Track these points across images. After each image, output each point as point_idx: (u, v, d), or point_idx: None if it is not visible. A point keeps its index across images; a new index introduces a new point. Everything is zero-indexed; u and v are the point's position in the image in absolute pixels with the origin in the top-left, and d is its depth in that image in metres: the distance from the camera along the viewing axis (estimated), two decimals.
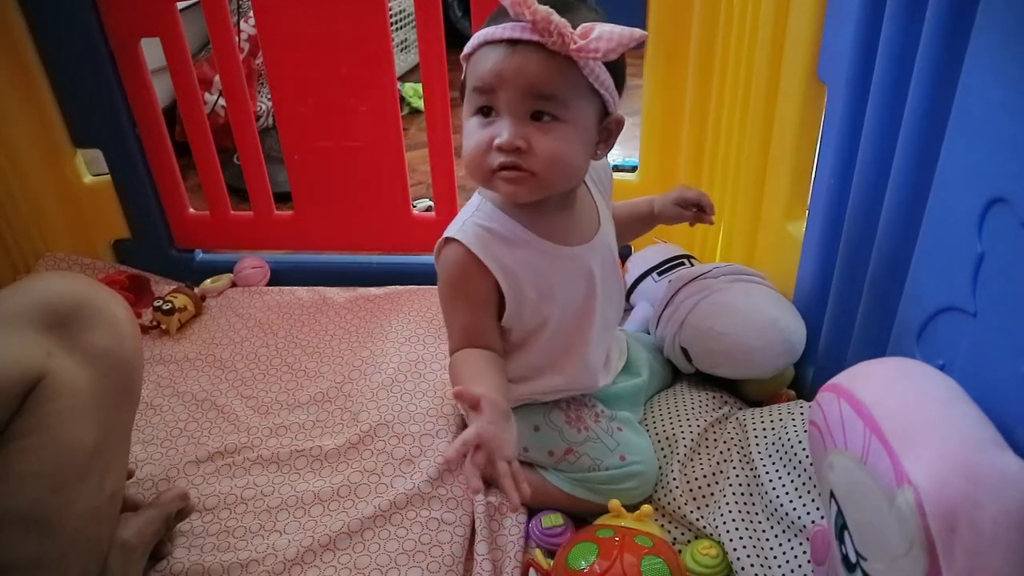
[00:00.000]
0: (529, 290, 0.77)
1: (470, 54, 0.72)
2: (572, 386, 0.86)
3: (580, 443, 0.83)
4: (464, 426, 0.94)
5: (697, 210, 0.91)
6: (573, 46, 0.66)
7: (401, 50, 2.29)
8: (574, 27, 0.67)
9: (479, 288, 0.76)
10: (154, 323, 1.17)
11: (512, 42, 0.68)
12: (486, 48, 0.70)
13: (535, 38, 0.67)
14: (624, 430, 0.85)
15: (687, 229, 1.15)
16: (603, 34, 0.66)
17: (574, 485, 0.83)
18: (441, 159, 1.20)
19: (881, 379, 0.57)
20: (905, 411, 0.53)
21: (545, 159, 0.70)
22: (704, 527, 0.79)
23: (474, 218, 0.77)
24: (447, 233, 0.77)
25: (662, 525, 0.82)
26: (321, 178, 1.23)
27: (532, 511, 0.85)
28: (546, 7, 0.66)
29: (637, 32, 0.67)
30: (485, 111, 0.71)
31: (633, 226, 0.95)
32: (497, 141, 0.69)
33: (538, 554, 0.77)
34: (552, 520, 0.82)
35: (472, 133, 0.72)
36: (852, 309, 0.81)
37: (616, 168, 1.45)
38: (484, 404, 0.64)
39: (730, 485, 0.81)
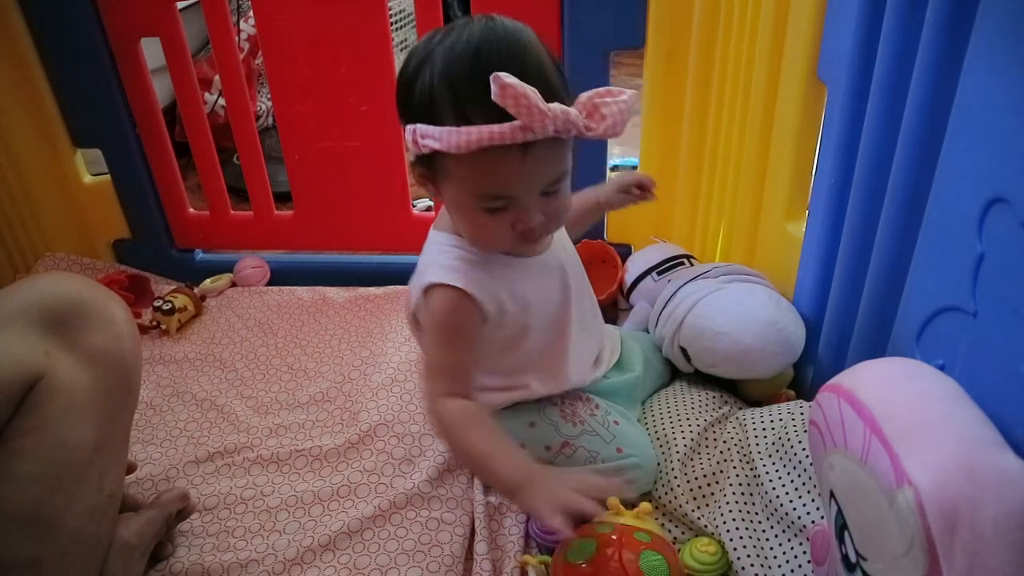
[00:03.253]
0: (509, 304, 0.77)
1: (463, 155, 0.64)
2: (560, 386, 0.86)
3: (576, 436, 0.83)
4: None
5: (640, 190, 0.93)
6: (589, 133, 0.65)
7: (401, 50, 2.29)
8: (567, 102, 0.65)
9: (472, 324, 0.76)
10: (154, 323, 1.17)
11: (526, 145, 0.64)
12: (492, 154, 0.64)
13: (550, 135, 0.64)
14: (620, 423, 0.85)
15: (687, 229, 1.16)
16: (611, 115, 0.65)
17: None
18: None
19: (881, 379, 0.57)
20: (905, 411, 0.53)
21: (558, 219, 0.73)
22: (704, 526, 0.79)
23: (445, 256, 0.76)
24: (430, 279, 0.75)
25: (662, 524, 0.82)
26: (321, 178, 1.23)
27: None
28: (558, 105, 0.63)
29: (630, 94, 0.66)
30: (497, 208, 0.70)
31: (585, 218, 0.95)
32: (521, 227, 0.71)
33: (528, 559, 0.77)
34: None
35: (484, 225, 0.71)
36: (852, 309, 0.81)
37: (615, 168, 1.46)
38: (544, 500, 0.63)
39: (730, 485, 0.81)
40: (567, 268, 0.83)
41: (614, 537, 0.71)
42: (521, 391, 0.85)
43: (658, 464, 0.85)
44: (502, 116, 0.62)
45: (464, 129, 0.63)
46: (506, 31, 0.67)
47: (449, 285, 0.74)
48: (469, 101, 0.65)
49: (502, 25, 0.67)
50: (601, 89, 0.66)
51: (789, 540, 0.74)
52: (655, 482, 0.84)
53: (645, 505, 0.77)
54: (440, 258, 0.77)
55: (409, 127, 0.69)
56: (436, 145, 0.65)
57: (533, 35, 0.69)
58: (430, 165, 0.70)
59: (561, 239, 0.85)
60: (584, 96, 0.66)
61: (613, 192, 0.94)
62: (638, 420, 0.90)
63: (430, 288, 0.75)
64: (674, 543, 0.80)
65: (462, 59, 0.65)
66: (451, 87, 0.65)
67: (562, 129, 0.64)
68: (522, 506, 0.66)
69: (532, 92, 0.61)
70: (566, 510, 0.62)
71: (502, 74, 0.60)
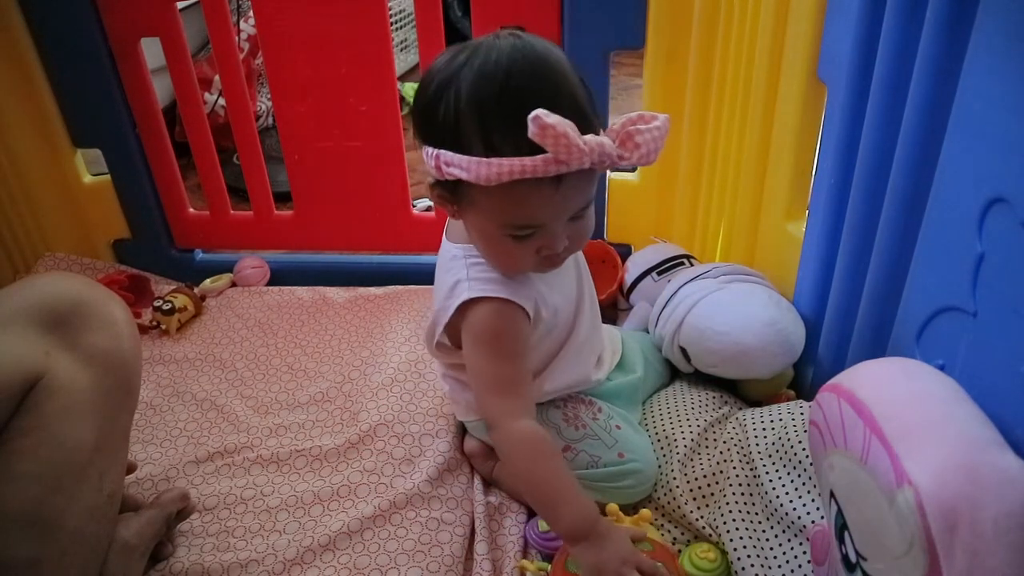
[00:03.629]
0: (544, 311, 0.76)
1: (492, 186, 0.62)
2: (567, 385, 0.86)
3: (578, 440, 0.83)
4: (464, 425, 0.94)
5: None
6: (623, 163, 0.64)
7: (401, 50, 2.29)
8: (598, 128, 0.64)
9: (523, 331, 0.74)
10: (154, 323, 1.17)
11: (558, 176, 0.62)
12: (523, 186, 0.62)
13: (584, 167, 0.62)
14: (622, 428, 0.85)
15: (687, 229, 1.16)
16: (645, 143, 0.63)
17: None
18: None
19: (881, 379, 0.57)
20: (905, 411, 0.53)
21: (582, 242, 0.73)
22: (704, 527, 0.79)
23: (476, 270, 0.74)
24: (467, 295, 0.72)
25: (661, 525, 0.82)
26: (321, 178, 1.23)
27: (530, 512, 0.85)
28: (593, 138, 0.61)
29: (663, 119, 0.64)
30: (523, 236, 0.68)
31: None
32: (547, 253, 0.70)
33: (527, 564, 0.77)
34: None
35: (509, 251, 0.70)
36: (852, 309, 0.81)
37: (615, 168, 1.46)
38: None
39: (730, 485, 0.81)
40: (581, 266, 0.83)
41: None
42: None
43: (658, 465, 0.85)
44: (533, 148, 0.60)
45: (495, 161, 0.61)
46: (536, 54, 0.64)
47: (493, 297, 0.72)
48: (498, 131, 0.62)
49: (531, 46, 0.64)
50: (634, 115, 0.64)
51: (789, 540, 0.74)
52: (655, 483, 0.84)
53: (645, 512, 0.76)
54: (471, 272, 0.74)
55: (431, 151, 0.66)
56: (463, 175, 0.63)
57: (562, 55, 0.67)
58: (453, 191, 0.68)
59: None
60: (617, 124, 0.64)
61: None
62: (639, 421, 0.90)
63: (470, 303, 0.73)
64: (673, 544, 0.80)
65: (491, 84, 0.62)
66: (479, 114, 0.63)
67: (597, 162, 0.62)
68: (583, 557, 0.67)
69: (572, 129, 0.59)
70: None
71: (542, 112, 0.58)
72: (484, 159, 0.61)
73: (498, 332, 0.73)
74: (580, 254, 0.86)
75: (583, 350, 0.85)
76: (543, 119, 0.58)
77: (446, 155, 0.64)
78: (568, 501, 0.69)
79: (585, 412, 0.85)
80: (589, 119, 0.64)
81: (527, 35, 0.66)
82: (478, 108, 0.63)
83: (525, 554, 0.81)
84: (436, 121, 0.65)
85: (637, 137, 0.63)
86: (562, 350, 0.83)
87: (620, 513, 0.77)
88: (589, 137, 0.61)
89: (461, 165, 0.62)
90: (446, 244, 0.79)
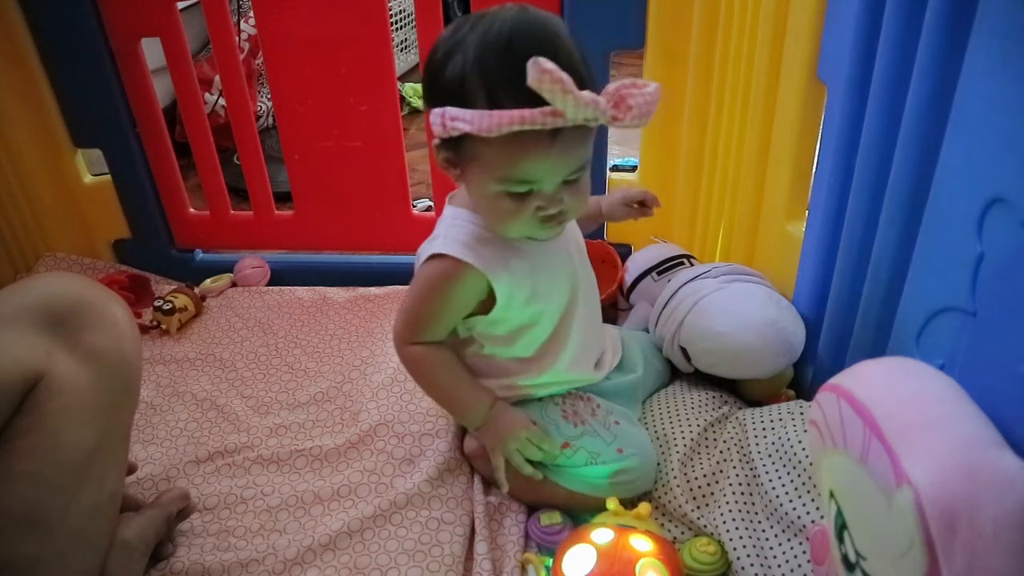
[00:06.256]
0: (518, 288, 0.78)
1: (492, 138, 0.65)
2: (566, 379, 0.86)
3: (577, 437, 0.83)
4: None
5: (640, 205, 0.94)
6: (616, 123, 0.66)
7: (401, 50, 2.29)
8: (596, 89, 0.66)
9: (465, 298, 0.79)
10: (154, 323, 1.17)
11: (554, 131, 0.66)
12: (521, 138, 0.65)
13: (579, 123, 0.65)
14: (621, 423, 0.85)
15: (687, 229, 1.16)
16: (637, 105, 0.65)
17: (572, 480, 0.83)
18: None
19: (881, 379, 0.57)
20: (905, 411, 0.53)
21: (578, 206, 0.74)
22: (704, 526, 0.79)
23: (459, 231, 0.78)
24: (439, 248, 0.77)
25: (662, 524, 0.82)
26: (321, 178, 1.23)
27: (530, 509, 0.85)
28: (589, 93, 0.63)
29: (655, 86, 0.67)
30: (521, 193, 0.71)
31: (583, 224, 0.95)
32: (543, 213, 0.72)
33: (531, 556, 0.77)
34: (550, 518, 0.82)
35: (506, 209, 0.72)
36: (852, 309, 0.81)
37: (616, 168, 1.46)
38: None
39: (730, 485, 0.81)
40: (576, 263, 0.84)
41: (612, 548, 0.71)
42: (523, 388, 0.85)
43: (658, 464, 0.85)
44: (532, 102, 0.63)
45: (496, 112, 0.64)
46: (538, 19, 0.68)
47: (456, 258, 0.76)
48: (501, 85, 0.65)
49: (534, 14, 0.68)
50: (626, 80, 0.67)
51: (789, 540, 0.74)
52: (655, 482, 0.84)
53: (644, 506, 0.77)
54: (453, 232, 0.78)
55: (437, 110, 0.69)
56: (466, 127, 0.66)
57: (564, 25, 0.70)
58: (456, 149, 0.71)
59: (574, 235, 0.86)
60: (611, 87, 0.66)
61: (616, 204, 0.95)
62: (639, 421, 0.90)
63: (436, 256, 0.77)
64: (674, 543, 0.80)
65: (496, 44, 0.66)
66: (483, 71, 0.66)
67: (591, 117, 0.64)
68: (482, 440, 0.83)
69: (568, 78, 0.61)
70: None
71: (541, 59, 0.60)
72: (487, 111, 0.65)
73: (438, 289, 0.78)
74: (585, 254, 0.87)
75: (581, 350, 0.86)
76: (542, 64, 0.60)
77: (451, 111, 0.67)
78: (463, 399, 0.83)
79: (584, 408, 0.86)
80: (584, 79, 0.66)
81: (531, 8, 0.69)
82: (482, 66, 0.66)
83: (526, 548, 0.81)
84: (443, 81, 0.69)
85: (630, 100, 0.65)
86: (555, 346, 0.84)
87: (620, 507, 0.77)
88: (585, 92, 0.63)
89: (465, 118, 0.66)
90: (446, 206, 0.83)
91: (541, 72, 0.61)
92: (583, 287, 0.85)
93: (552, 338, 0.84)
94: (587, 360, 0.88)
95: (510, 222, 0.74)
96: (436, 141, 0.73)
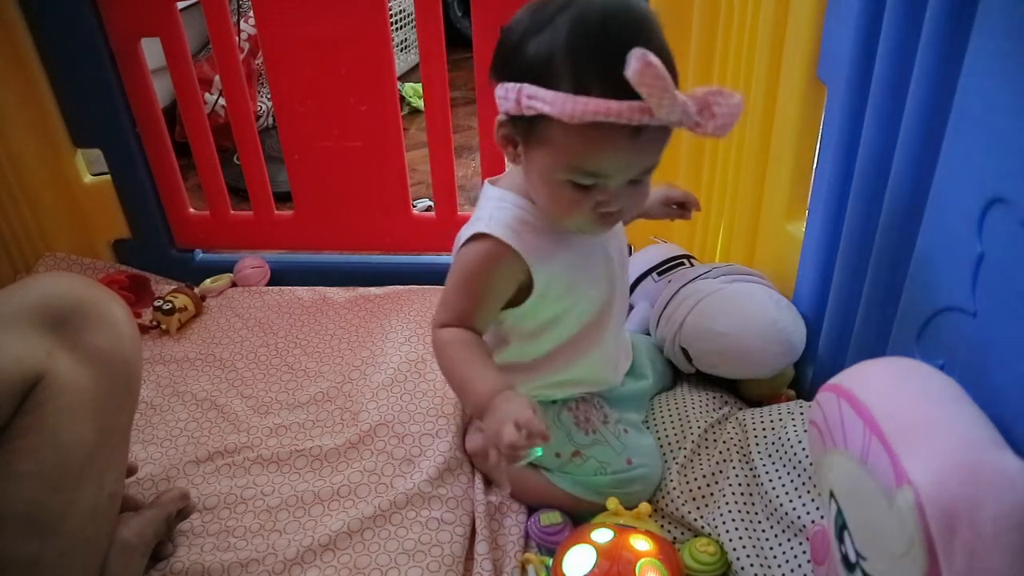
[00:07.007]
0: (558, 282, 0.76)
1: (572, 124, 0.62)
2: (587, 381, 0.86)
3: (588, 446, 0.83)
4: (464, 425, 0.94)
5: (679, 207, 0.92)
6: (698, 129, 0.63)
7: (401, 50, 2.29)
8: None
9: (505, 282, 0.75)
10: (154, 323, 1.17)
11: (638, 128, 0.62)
12: (603, 130, 0.62)
13: (664, 123, 0.62)
14: (630, 432, 0.85)
15: (687, 229, 1.16)
16: (722, 115, 0.63)
17: (576, 486, 0.83)
18: (441, 159, 1.20)
19: (881, 379, 0.57)
20: (905, 411, 0.53)
21: (635, 207, 0.72)
22: (703, 527, 0.79)
23: (504, 213, 0.75)
24: (482, 228, 0.74)
25: (662, 526, 0.82)
26: (321, 178, 1.23)
27: (531, 509, 0.85)
28: (682, 94, 0.61)
29: (739, 97, 0.63)
30: (585, 185, 0.68)
31: None
32: (603, 210, 0.69)
33: (531, 557, 0.77)
34: (550, 518, 0.82)
35: (566, 198, 0.69)
36: (852, 309, 0.81)
37: None
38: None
39: (730, 485, 0.81)
40: (616, 265, 0.82)
41: (612, 548, 0.71)
42: (543, 388, 0.84)
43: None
44: (619, 92, 0.60)
45: (583, 99, 0.61)
46: (633, 7, 0.64)
47: (499, 240, 0.73)
48: (590, 71, 0.62)
49: (627, 1, 0.65)
50: (713, 87, 0.64)
51: (789, 540, 0.74)
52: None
53: (644, 506, 0.77)
54: (499, 213, 0.75)
55: (511, 85, 0.66)
56: (546, 109, 0.62)
57: (655, 17, 0.66)
58: (526, 128, 0.68)
59: (619, 236, 0.84)
60: (700, 91, 0.64)
61: (656, 202, 0.91)
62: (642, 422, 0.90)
63: (478, 236, 0.74)
64: (674, 543, 0.80)
65: (590, 26, 0.62)
66: (573, 53, 0.62)
67: (679, 120, 0.62)
68: (484, 425, 0.71)
69: (669, 77, 0.59)
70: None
71: (646, 51, 0.57)
72: (572, 95, 0.61)
73: (478, 271, 0.74)
74: (626, 256, 0.86)
75: (611, 351, 0.85)
76: (648, 57, 0.57)
77: (530, 88, 0.64)
78: (471, 382, 0.73)
79: (596, 416, 0.85)
80: (676, 78, 0.64)
81: None
82: (572, 48, 0.62)
83: (527, 548, 0.81)
84: (525, 56, 0.65)
85: (715, 108, 0.62)
86: (583, 345, 0.82)
87: (620, 507, 0.77)
88: (679, 93, 0.60)
89: (546, 99, 0.62)
90: (487, 187, 0.80)
91: (645, 65, 0.57)
92: (619, 287, 0.83)
93: (581, 336, 0.82)
94: (609, 365, 0.87)
95: (568, 212, 0.71)
96: (502, 116, 0.69)
